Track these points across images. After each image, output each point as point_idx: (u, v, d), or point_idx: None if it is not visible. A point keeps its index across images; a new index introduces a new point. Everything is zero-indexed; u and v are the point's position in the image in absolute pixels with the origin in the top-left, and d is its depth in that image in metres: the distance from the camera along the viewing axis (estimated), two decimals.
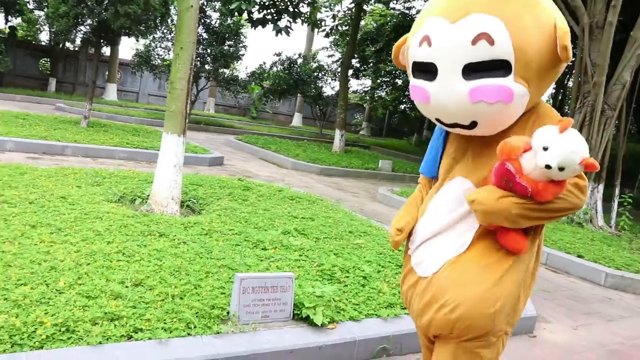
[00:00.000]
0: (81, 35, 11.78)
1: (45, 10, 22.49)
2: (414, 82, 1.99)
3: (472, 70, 1.80)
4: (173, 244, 4.12)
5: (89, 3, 10.46)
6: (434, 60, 1.88)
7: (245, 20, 14.34)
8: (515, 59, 1.76)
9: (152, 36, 17.68)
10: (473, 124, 1.88)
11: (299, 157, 12.76)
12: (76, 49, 25.27)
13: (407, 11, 22.34)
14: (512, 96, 1.78)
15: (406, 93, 25.34)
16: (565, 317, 4.68)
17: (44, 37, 27.92)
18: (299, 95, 24.92)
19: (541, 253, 2.09)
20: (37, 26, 25.64)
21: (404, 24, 19.29)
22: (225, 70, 20.06)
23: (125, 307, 2.90)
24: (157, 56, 19.29)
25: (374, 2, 20.52)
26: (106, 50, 23.46)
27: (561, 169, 1.69)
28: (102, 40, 12.17)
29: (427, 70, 1.91)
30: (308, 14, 15.93)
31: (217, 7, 17.74)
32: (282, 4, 14.27)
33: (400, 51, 2.06)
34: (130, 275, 3.31)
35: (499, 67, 1.78)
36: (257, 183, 7.53)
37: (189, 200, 5.75)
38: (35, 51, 24.43)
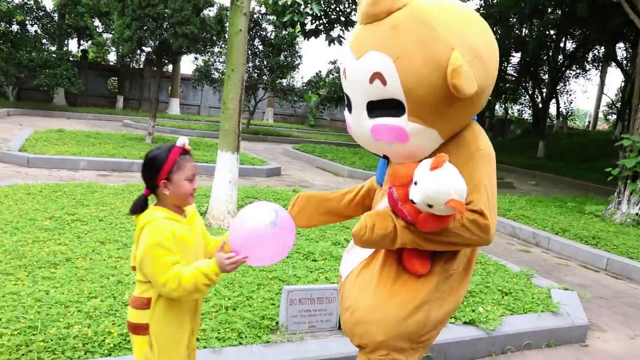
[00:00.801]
0: (144, 55, 12.43)
1: (111, 33, 23.87)
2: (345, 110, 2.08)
3: (375, 108, 1.83)
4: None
5: (150, 27, 11.08)
6: (348, 94, 1.94)
7: (298, 31, 14.69)
8: (405, 99, 1.75)
9: (210, 52, 18.38)
10: (386, 157, 1.95)
11: (355, 165, 12.91)
12: (141, 66, 26.60)
13: None
14: (406, 136, 1.79)
15: None
16: (622, 326, 4.58)
17: (112, 57, 29.56)
18: None
19: (466, 279, 2.05)
20: (106, 48, 27.14)
21: None
22: (282, 80, 20.54)
23: None
24: (215, 70, 20.02)
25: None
26: (168, 67, 24.55)
27: (430, 205, 1.67)
28: (163, 59, 12.82)
29: (348, 102, 1.98)
30: None
31: (271, 20, 18.25)
32: (334, 14, 14.50)
33: None
34: None
35: (395, 106, 1.78)
36: None
37: None
38: (104, 71, 25.98)
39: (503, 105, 29.85)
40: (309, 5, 13.21)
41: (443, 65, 1.69)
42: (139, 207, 1.96)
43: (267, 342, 3.09)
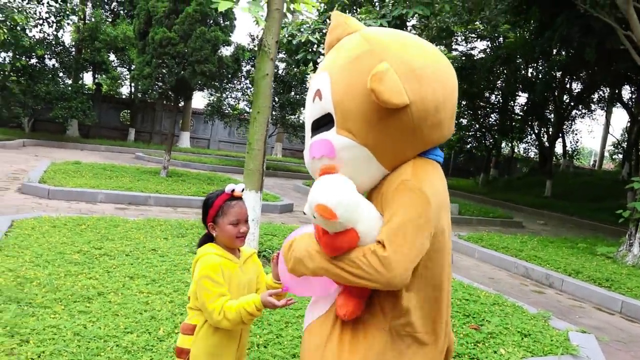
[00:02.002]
0: (160, 91, 12.72)
1: (126, 67, 24.42)
2: None
3: (316, 127, 1.83)
4: None
5: (169, 64, 11.41)
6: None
7: (311, 70, 15.07)
8: (334, 109, 1.73)
9: (224, 88, 18.79)
10: None
11: None
12: (153, 100, 27.12)
13: (470, 51, 22.58)
14: (332, 148, 1.73)
15: (470, 132, 25.25)
16: None
17: (124, 90, 30.15)
18: None
19: (434, 348, 1.83)
20: (119, 81, 27.71)
21: (466, 65, 19.50)
22: (292, 116, 20.89)
23: None
24: (227, 105, 20.40)
25: (436, 45, 20.90)
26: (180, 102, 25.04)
27: (314, 216, 1.62)
28: (179, 96, 13.14)
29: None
30: None
31: (284, 57, 18.70)
32: None
33: None
34: None
35: (329, 121, 1.76)
36: None
37: (265, 251, 6.14)
38: (117, 104, 26.46)
39: (509, 144, 30.10)
40: (322, 44, 13.60)
41: (368, 75, 1.66)
42: (201, 242, 2.20)
43: None
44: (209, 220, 2.14)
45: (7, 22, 16.81)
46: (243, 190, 2.18)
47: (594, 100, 25.88)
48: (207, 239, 2.20)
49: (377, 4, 14.20)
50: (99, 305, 3.84)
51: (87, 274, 4.51)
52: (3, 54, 19.20)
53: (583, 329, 4.95)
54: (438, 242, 1.72)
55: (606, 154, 37.15)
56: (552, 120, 23.81)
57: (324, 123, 1.77)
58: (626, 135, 27.61)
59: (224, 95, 20.01)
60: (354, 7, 14.15)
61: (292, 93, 19.88)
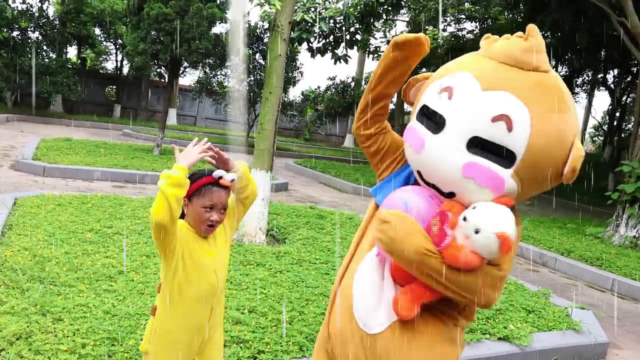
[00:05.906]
0: (155, 70, 12.58)
1: (112, 42, 23.99)
2: (414, 124, 1.86)
3: (479, 145, 1.68)
4: (271, 273, 4.59)
5: (165, 41, 11.28)
6: (446, 116, 1.74)
7: (305, 49, 15.00)
8: (524, 157, 1.66)
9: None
10: (450, 195, 1.77)
11: (359, 182, 13.16)
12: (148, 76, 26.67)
13: (459, 32, 22.64)
14: (502, 188, 1.68)
15: None
16: (637, 344, 4.87)
17: (110, 65, 29.64)
18: (350, 117, 25.47)
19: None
20: (104, 56, 27.24)
21: (457, 47, 19.56)
22: (282, 95, 20.80)
23: (247, 332, 3.36)
24: (216, 83, 20.20)
25: (430, 26, 20.89)
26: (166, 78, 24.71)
27: (477, 231, 1.59)
28: (173, 73, 13.03)
29: (434, 121, 1.78)
30: (364, 41, 16.45)
31: None
32: (339, 32, 14.84)
33: (416, 86, 1.99)
34: (244, 303, 3.79)
35: (504, 155, 1.67)
36: (328, 211, 7.99)
37: (272, 230, 6.24)
38: (102, 79, 26.03)
39: None
40: (316, 24, 13.57)
41: (567, 144, 1.69)
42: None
43: None
44: (185, 195, 1.95)
45: None
46: (233, 180, 2.03)
47: (577, 83, 26.22)
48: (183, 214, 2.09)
49: None
50: (123, 284, 3.91)
51: (103, 253, 4.57)
52: None
53: (582, 306, 5.17)
54: None
55: (587, 136, 37.80)
56: None
57: (493, 151, 1.66)
58: (607, 118, 28.08)
59: (213, 72, 19.80)
60: None
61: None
